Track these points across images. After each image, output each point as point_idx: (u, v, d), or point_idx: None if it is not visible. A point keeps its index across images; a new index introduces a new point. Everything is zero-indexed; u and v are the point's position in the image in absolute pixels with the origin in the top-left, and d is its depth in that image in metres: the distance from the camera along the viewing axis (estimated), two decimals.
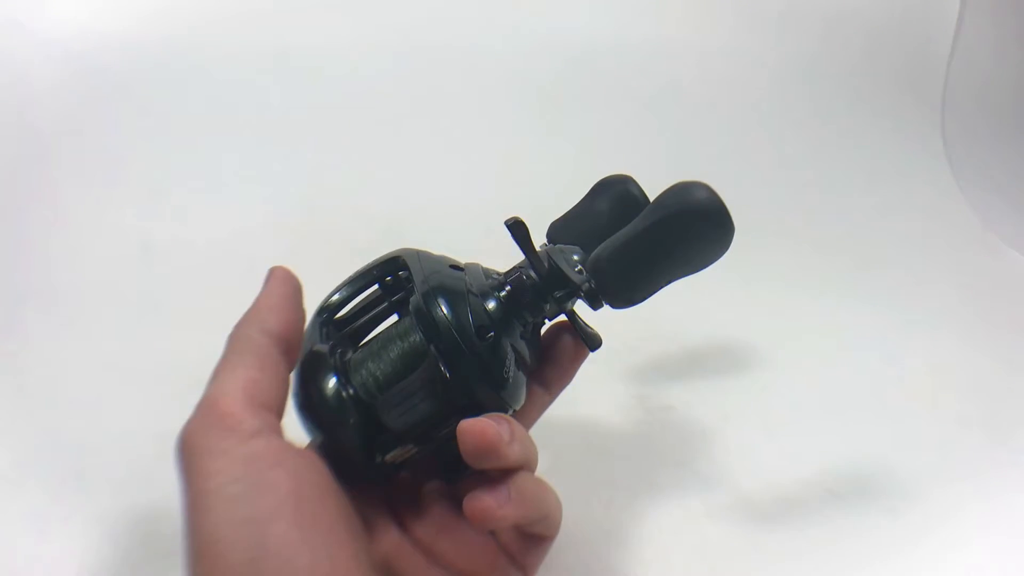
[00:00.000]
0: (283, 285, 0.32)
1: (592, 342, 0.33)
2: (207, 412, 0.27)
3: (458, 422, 0.29)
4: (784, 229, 0.72)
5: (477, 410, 0.29)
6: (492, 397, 0.30)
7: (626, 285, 0.32)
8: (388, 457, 0.30)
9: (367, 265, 0.35)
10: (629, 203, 0.35)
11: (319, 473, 0.27)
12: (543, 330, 0.36)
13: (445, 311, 0.29)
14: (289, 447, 0.27)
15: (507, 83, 0.78)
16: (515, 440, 0.28)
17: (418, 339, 0.30)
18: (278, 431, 0.27)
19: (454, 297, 0.30)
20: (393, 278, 0.34)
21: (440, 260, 0.33)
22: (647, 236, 0.30)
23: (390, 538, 0.31)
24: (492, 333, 0.30)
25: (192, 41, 0.74)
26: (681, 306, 0.60)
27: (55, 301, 0.55)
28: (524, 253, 0.32)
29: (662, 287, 0.32)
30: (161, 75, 0.73)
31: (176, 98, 0.72)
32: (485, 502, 0.28)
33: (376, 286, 0.35)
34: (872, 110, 0.87)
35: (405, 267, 0.33)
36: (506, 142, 0.74)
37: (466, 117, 0.76)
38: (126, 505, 0.41)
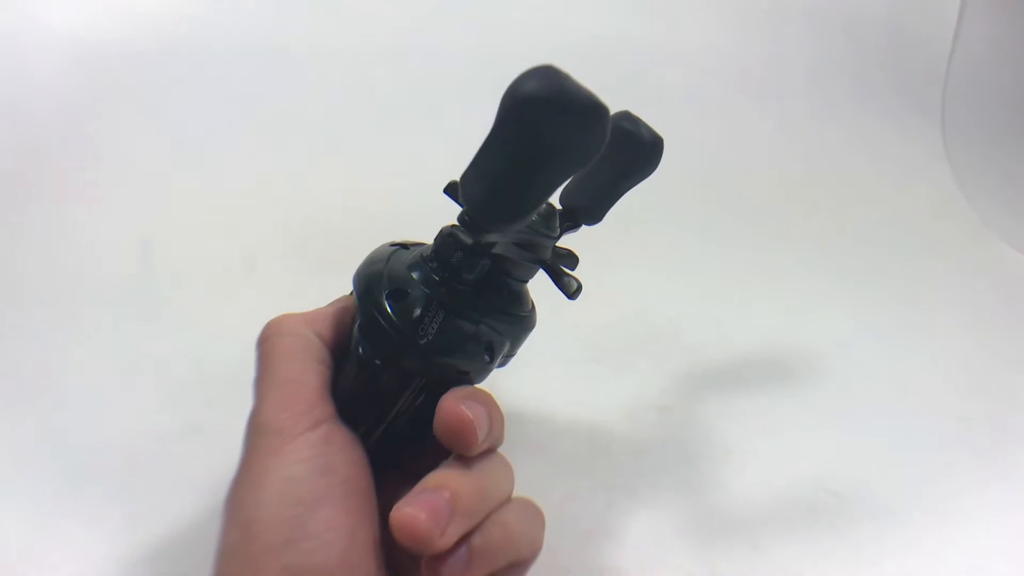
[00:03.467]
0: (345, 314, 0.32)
1: (568, 289, 0.31)
2: (289, 395, 0.27)
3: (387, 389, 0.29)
4: (783, 229, 0.71)
5: (399, 372, 0.29)
6: (410, 354, 0.29)
7: (492, 200, 0.27)
8: None
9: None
10: (626, 142, 0.31)
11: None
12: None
13: (358, 285, 0.30)
14: (352, 436, 0.28)
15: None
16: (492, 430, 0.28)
17: (355, 328, 0.30)
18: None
19: (371, 267, 0.31)
20: None
21: (385, 245, 0.33)
22: (494, 142, 0.26)
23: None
24: (409, 293, 0.29)
25: (192, 41, 0.74)
26: (681, 306, 0.60)
27: (55, 301, 0.55)
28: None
29: (542, 195, 0.27)
30: (161, 74, 0.73)
31: (176, 97, 0.72)
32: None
33: None
34: (872, 110, 0.87)
35: None
36: None
37: (467, 116, 0.76)
38: (126, 505, 0.41)
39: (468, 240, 0.29)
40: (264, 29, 0.76)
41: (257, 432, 0.27)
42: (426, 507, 0.26)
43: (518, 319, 0.32)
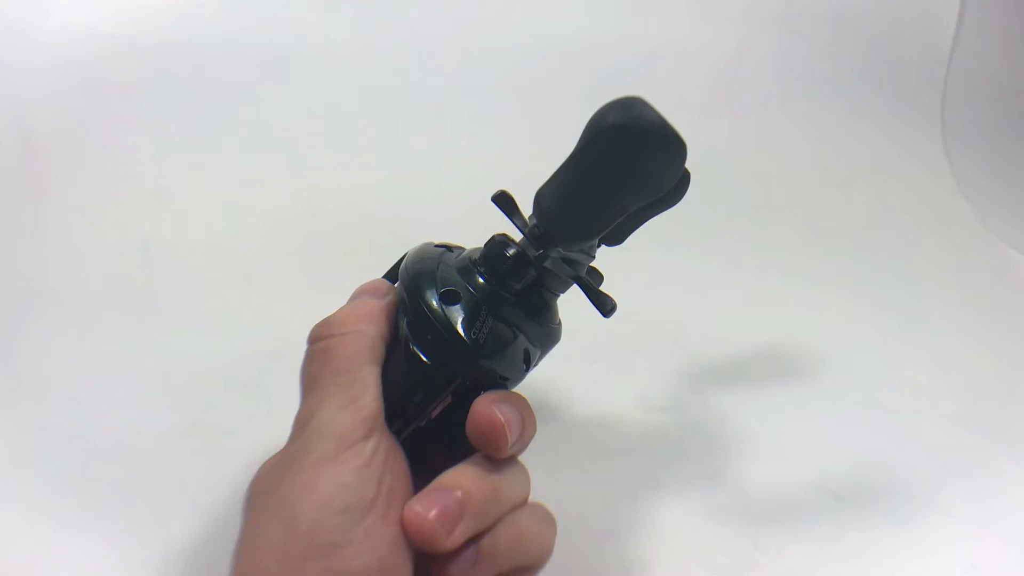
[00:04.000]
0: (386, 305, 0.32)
1: (604, 307, 0.32)
2: (354, 399, 0.27)
3: (434, 393, 0.29)
4: (783, 229, 0.72)
5: (445, 373, 0.29)
6: (460, 357, 0.29)
7: (568, 218, 0.29)
8: None
9: (387, 272, 0.35)
10: None
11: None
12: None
13: (409, 283, 0.30)
14: (397, 446, 0.28)
15: (508, 81, 0.78)
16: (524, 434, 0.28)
17: (404, 324, 0.31)
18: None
19: (421, 264, 0.31)
20: None
21: (430, 245, 0.34)
22: (576, 164, 0.28)
23: None
24: (461, 296, 0.30)
25: (192, 41, 0.74)
26: (681, 306, 0.60)
27: (55, 301, 0.55)
28: (512, 223, 0.31)
29: (613, 217, 0.29)
30: (161, 75, 0.73)
31: (176, 98, 0.72)
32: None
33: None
34: (872, 110, 0.87)
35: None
36: (507, 140, 0.74)
37: (467, 115, 0.76)
38: (126, 505, 0.41)
39: (534, 251, 0.30)
40: (264, 28, 0.76)
41: (315, 433, 0.27)
42: (436, 505, 0.26)
43: (549, 330, 0.33)
